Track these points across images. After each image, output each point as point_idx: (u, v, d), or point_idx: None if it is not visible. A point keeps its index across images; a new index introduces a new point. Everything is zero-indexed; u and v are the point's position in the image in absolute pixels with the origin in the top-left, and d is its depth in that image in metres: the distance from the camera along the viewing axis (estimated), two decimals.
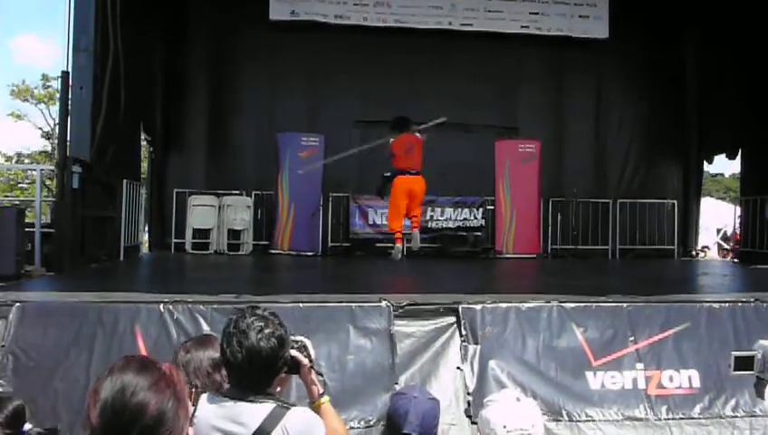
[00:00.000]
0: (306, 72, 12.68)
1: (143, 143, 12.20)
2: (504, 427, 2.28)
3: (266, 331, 2.21)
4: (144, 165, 13.52)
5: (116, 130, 8.97)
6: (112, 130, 8.77)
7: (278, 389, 2.25)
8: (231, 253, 11.80)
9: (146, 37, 10.80)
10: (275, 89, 12.61)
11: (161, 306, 4.24)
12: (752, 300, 5.07)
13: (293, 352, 2.33)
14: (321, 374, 2.42)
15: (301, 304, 4.37)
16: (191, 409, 1.48)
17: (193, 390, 2.22)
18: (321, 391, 2.43)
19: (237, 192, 12.28)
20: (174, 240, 11.99)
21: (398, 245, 9.01)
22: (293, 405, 2.25)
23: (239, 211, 12.12)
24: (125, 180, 9.61)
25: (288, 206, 11.93)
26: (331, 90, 12.64)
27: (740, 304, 5.00)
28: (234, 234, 12.10)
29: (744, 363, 2.30)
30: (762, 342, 2.37)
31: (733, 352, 2.34)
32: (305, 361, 2.36)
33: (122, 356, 1.80)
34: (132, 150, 10.80)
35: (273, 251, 11.84)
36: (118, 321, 4.19)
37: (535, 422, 2.27)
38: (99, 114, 8.38)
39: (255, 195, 12.30)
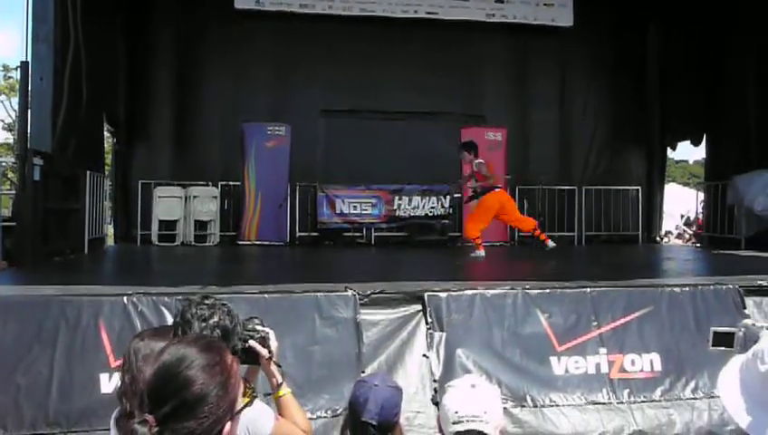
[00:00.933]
0: (272, 62, 12.60)
1: (106, 135, 12.02)
2: (456, 413, 2.29)
3: (211, 321, 2.19)
4: (109, 157, 13.32)
5: (78, 122, 8.82)
6: (74, 121, 8.63)
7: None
8: (198, 244, 11.69)
9: (108, 27, 10.62)
10: (241, 79, 12.50)
11: (125, 299, 4.19)
12: (711, 284, 5.17)
13: (252, 343, 2.32)
14: (279, 365, 2.40)
15: (266, 295, 4.36)
16: (238, 404, 1.48)
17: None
18: (280, 381, 2.42)
19: (203, 183, 12.15)
20: (140, 232, 11.84)
21: (481, 251, 9.16)
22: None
23: (205, 202, 12.00)
24: (88, 172, 9.46)
25: (255, 196, 11.85)
26: (297, 79, 12.57)
27: (700, 287, 5.10)
28: (200, 225, 11.98)
29: (723, 340, 2.35)
30: (746, 321, 2.42)
31: (712, 328, 2.38)
32: (264, 352, 2.34)
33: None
34: (96, 142, 10.64)
35: (240, 242, 11.77)
36: (81, 314, 4.14)
37: (489, 409, 2.27)
38: (60, 105, 8.24)
39: (222, 185, 12.19)
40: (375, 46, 12.47)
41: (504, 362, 4.44)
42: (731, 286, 5.05)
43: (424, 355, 4.30)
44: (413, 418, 3.91)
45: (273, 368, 2.39)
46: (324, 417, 3.92)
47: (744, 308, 4.95)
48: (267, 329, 2.41)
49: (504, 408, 4.21)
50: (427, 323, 4.41)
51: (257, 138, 11.92)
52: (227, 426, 1.41)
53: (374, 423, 2.38)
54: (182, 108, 12.55)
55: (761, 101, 10.51)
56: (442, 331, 4.39)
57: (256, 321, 2.43)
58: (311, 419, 3.89)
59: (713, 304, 4.96)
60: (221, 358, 1.46)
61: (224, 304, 2.30)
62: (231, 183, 12.17)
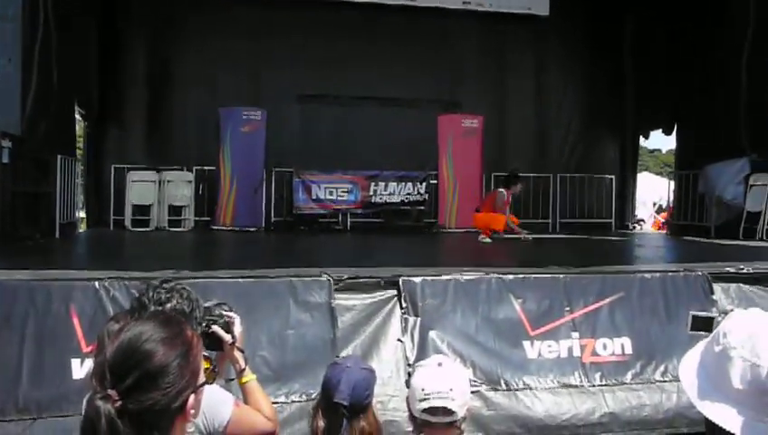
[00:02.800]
0: (248, 47, 12.45)
1: (78, 118, 11.83)
2: (423, 390, 2.32)
3: (168, 305, 2.18)
4: (81, 141, 13.12)
5: (49, 104, 8.67)
6: (45, 103, 8.48)
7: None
8: (172, 229, 11.59)
9: (81, 8, 10.41)
10: (217, 63, 12.34)
11: (97, 284, 4.14)
12: (681, 270, 5.25)
13: (215, 328, 2.30)
14: (242, 351, 2.39)
15: (240, 279, 4.34)
16: (201, 378, 1.49)
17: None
18: (243, 367, 2.40)
19: (178, 167, 12.04)
20: (113, 217, 11.72)
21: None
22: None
23: (180, 187, 11.89)
24: (60, 156, 9.32)
25: (230, 181, 11.79)
26: (274, 64, 12.45)
27: (670, 274, 5.17)
28: (174, 210, 11.88)
29: (702, 324, 2.39)
30: (728, 307, 2.46)
31: (691, 312, 2.41)
32: (227, 337, 2.32)
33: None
34: (67, 125, 10.47)
35: (215, 227, 11.71)
36: (51, 300, 4.07)
37: (455, 386, 2.31)
38: (29, 87, 8.08)
39: (196, 170, 12.09)
40: (352, 32, 12.40)
41: (477, 346, 4.47)
42: (700, 273, 5.13)
43: (398, 340, 4.31)
44: (387, 401, 3.93)
45: (237, 354, 2.37)
46: (299, 401, 3.93)
47: (713, 294, 5.04)
48: (233, 314, 2.39)
49: (478, 391, 4.28)
50: (401, 308, 4.42)
51: (233, 122, 11.85)
52: (191, 398, 1.42)
53: (345, 404, 2.39)
54: (156, 91, 12.39)
55: (730, 93, 10.63)
56: (417, 316, 4.40)
57: (225, 307, 2.41)
58: (285, 403, 3.91)
59: (682, 291, 5.03)
60: (180, 331, 1.47)
61: (184, 289, 2.28)
62: (206, 168, 12.08)
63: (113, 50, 12.01)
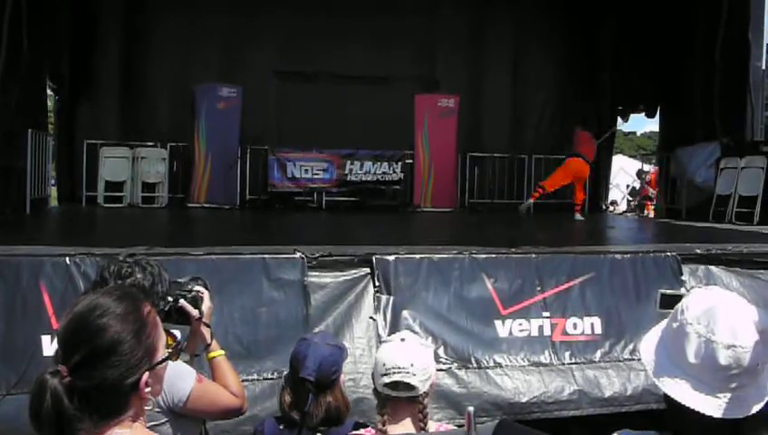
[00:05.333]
0: (224, 22, 12.28)
1: (50, 93, 11.63)
2: (385, 365, 2.35)
3: (128, 280, 2.17)
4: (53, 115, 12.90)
5: (18, 77, 8.50)
6: (14, 76, 8.31)
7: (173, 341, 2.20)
8: (145, 206, 11.49)
9: None
10: (192, 38, 12.15)
11: (68, 259, 4.10)
12: (651, 251, 5.33)
13: (183, 303, 2.30)
14: (209, 326, 2.38)
15: (213, 257, 4.32)
16: (159, 355, 1.45)
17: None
18: (209, 343, 2.39)
19: (152, 144, 11.91)
20: (85, 193, 11.58)
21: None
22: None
23: (154, 163, 11.78)
24: (30, 130, 9.15)
25: (205, 158, 11.68)
26: (250, 41, 12.28)
27: (640, 254, 5.24)
28: (148, 187, 11.77)
29: (671, 302, 2.44)
30: (695, 287, 2.51)
31: (660, 290, 2.46)
32: (194, 312, 2.32)
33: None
34: (38, 99, 10.28)
35: (189, 204, 11.61)
36: (20, 275, 4.03)
37: (416, 362, 2.33)
38: None
39: (171, 147, 11.96)
40: (330, 9, 12.26)
41: (449, 324, 4.51)
42: (669, 254, 5.21)
43: (371, 318, 4.34)
44: (359, 379, 3.96)
45: (204, 329, 2.37)
46: (270, 378, 3.94)
47: (681, 275, 5.12)
48: (202, 289, 2.39)
49: (450, 369, 4.33)
50: (374, 287, 4.44)
51: (208, 99, 11.72)
52: (144, 376, 1.39)
53: (311, 380, 2.40)
54: (130, 65, 12.17)
55: (707, 77, 10.74)
56: (390, 294, 4.43)
57: (200, 281, 2.41)
58: (256, 380, 3.93)
59: (652, 271, 5.11)
60: (135, 307, 1.43)
61: (148, 263, 2.26)
62: (180, 144, 11.95)
63: (86, 23, 11.76)
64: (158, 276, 2.26)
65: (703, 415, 1.37)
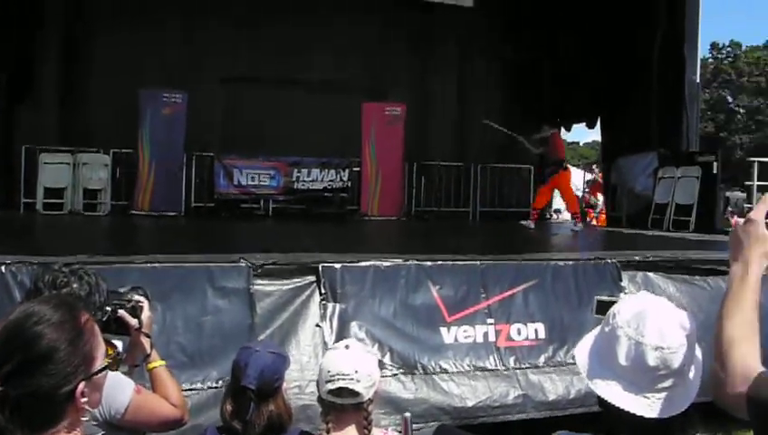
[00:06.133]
0: (170, 26, 12.12)
1: None
2: (329, 371, 2.37)
3: (64, 290, 2.13)
4: None
5: None
6: None
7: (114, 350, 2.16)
8: (87, 213, 11.22)
9: None
10: (137, 42, 11.92)
11: (3, 268, 3.98)
12: (592, 259, 5.46)
13: (121, 313, 2.25)
14: (149, 336, 2.34)
15: (157, 265, 4.26)
16: (96, 365, 1.41)
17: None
18: (148, 353, 2.35)
19: (94, 150, 11.65)
20: (23, 199, 11.25)
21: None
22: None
23: (96, 170, 11.52)
24: None
25: (149, 165, 11.49)
26: (197, 46, 12.16)
27: (581, 262, 5.37)
28: (90, 193, 11.50)
29: (605, 308, 2.51)
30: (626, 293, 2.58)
31: (596, 297, 2.53)
32: (133, 322, 2.27)
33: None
34: None
35: (133, 212, 11.39)
36: None
37: (360, 368, 2.36)
38: None
39: (114, 153, 11.72)
40: (278, 15, 12.24)
41: (395, 331, 4.54)
42: (609, 261, 5.36)
43: (317, 325, 4.33)
44: (305, 386, 3.94)
45: (144, 339, 2.33)
46: (215, 387, 3.89)
47: (621, 281, 5.27)
48: (141, 299, 2.34)
49: (396, 375, 4.35)
50: (321, 294, 4.44)
51: (153, 104, 11.55)
52: (81, 385, 1.36)
53: (252, 388, 2.38)
54: (71, 69, 11.90)
55: (645, 90, 11.08)
56: (336, 302, 4.43)
57: (140, 291, 2.37)
58: (201, 389, 3.88)
59: (592, 278, 5.24)
60: (72, 315, 1.41)
61: (85, 273, 2.22)
62: (124, 150, 11.71)
63: (26, 25, 11.44)
64: (95, 286, 2.21)
65: (633, 415, 1.43)
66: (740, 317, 1.39)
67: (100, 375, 1.43)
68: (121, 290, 2.37)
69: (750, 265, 1.44)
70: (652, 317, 1.47)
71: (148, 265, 4.25)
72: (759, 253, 1.44)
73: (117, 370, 2.02)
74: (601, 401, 1.50)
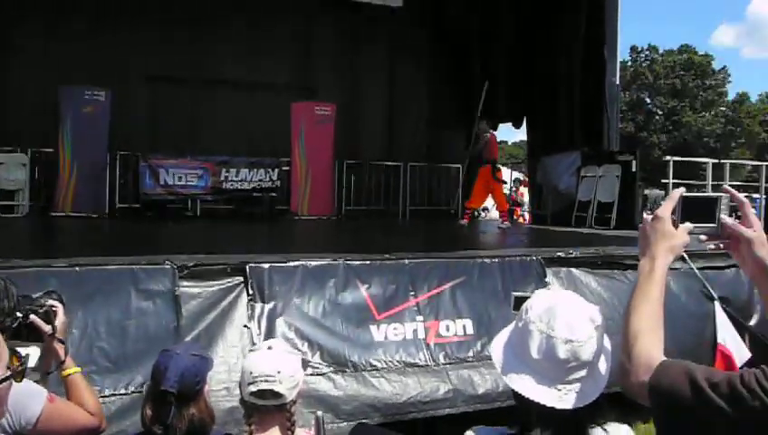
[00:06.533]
0: (93, 22, 11.76)
1: None
2: (251, 373, 2.36)
3: None
4: None
5: None
6: None
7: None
8: (4, 215, 10.78)
9: None
10: (58, 37, 11.55)
11: None
12: (518, 255, 5.59)
13: (33, 318, 2.17)
14: (63, 342, 2.27)
15: (77, 268, 4.13)
16: None
17: None
18: (62, 359, 2.28)
19: (11, 149, 11.20)
20: None
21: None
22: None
23: (13, 170, 11.11)
24: None
25: (70, 164, 11.14)
26: (121, 42, 11.83)
27: (507, 259, 5.49)
28: (7, 194, 11.07)
29: (522, 303, 2.59)
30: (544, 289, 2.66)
31: (513, 293, 2.59)
32: (47, 328, 2.19)
33: None
34: None
35: (53, 213, 11.01)
36: None
37: (282, 369, 2.35)
38: None
39: (32, 152, 11.31)
40: (205, 12, 12.06)
41: (325, 330, 4.54)
42: (534, 258, 5.50)
43: (245, 326, 4.29)
44: (233, 388, 3.88)
45: (58, 345, 2.25)
46: (139, 392, 3.80)
47: (545, 277, 5.41)
48: (55, 303, 2.27)
49: (326, 373, 4.35)
50: (248, 295, 4.40)
51: (74, 103, 11.20)
52: None
53: (173, 392, 2.35)
54: None
55: (568, 91, 11.42)
56: (264, 302, 4.40)
57: (54, 295, 2.30)
58: (125, 394, 3.79)
59: (518, 274, 5.36)
60: None
61: (1, 278, 2.15)
62: (43, 150, 11.31)
63: None
64: (3, 291, 2.13)
65: (545, 406, 1.48)
66: (646, 310, 1.46)
67: (1, 386, 1.37)
68: (35, 295, 2.29)
69: (656, 260, 1.50)
70: (562, 311, 1.52)
71: (69, 268, 4.13)
72: (665, 248, 1.51)
73: (21, 381, 1.95)
74: (516, 395, 1.55)
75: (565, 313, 1.52)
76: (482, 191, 10.96)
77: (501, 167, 11.73)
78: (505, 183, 12.33)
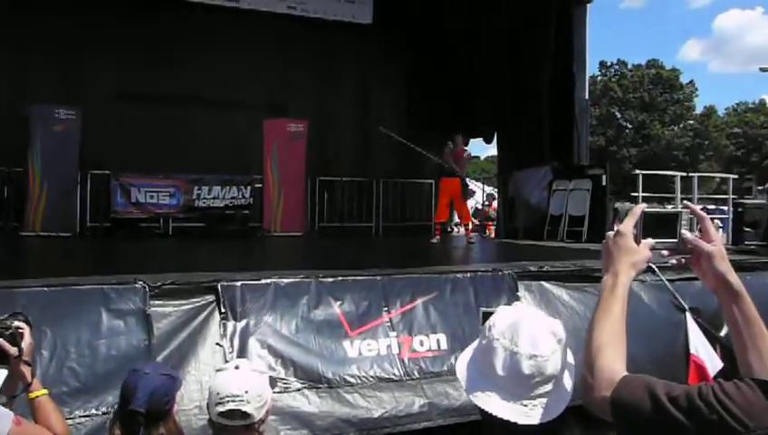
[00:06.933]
0: (62, 40, 11.68)
1: None
2: (218, 394, 2.35)
3: None
4: None
5: None
6: None
7: None
8: None
9: None
10: (26, 55, 11.45)
11: None
12: (490, 270, 5.64)
13: None
14: (30, 365, 2.25)
15: (47, 288, 4.09)
16: None
17: None
18: (29, 382, 2.26)
19: None
20: None
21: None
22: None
23: None
24: None
25: (40, 183, 11.01)
26: (92, 60, 11.78)
27: (480, 273, 5.54)
28: None
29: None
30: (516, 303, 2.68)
31: (482, 309, 2.62)
32: (12, 350, 2.16)
33: None
34: None
35: (23, 233, 10.86)
36: None
37: (250, 389, 2.34)
38: None
39: (1, 171, 11.15)
40: (176, 31, 12.05)
41: (298, 347, 4.53)
42: (506, 272, 5.55)
43: (217, 344, 4.27)
44: (206, 406, 3.88)
45: (24, 368, 2.23)
46: (110, 413, 3.77)
47: (517, 291, 5.46)
48: (22, 325, 2.25)
49: (300, 390, 4.34)
50: (221, 313, 4.39)
51: (44, 121, 11.10)
52: None
53: (142, 411, 2.34)
54: None
55: (537, 107, 11.57)
56: (236, 320, 4.38)
57: (21, 317, 2.27)
58: (95, 415, 3.75)
59: (490, 288, 5.41)
60: None
61: None
62: (12, 169, 11.16)
63: None
64: None
65: (509, 422, 1.49)
66: (608, 325, 1.48)
67: None
68: (0, 317, 2.26)
69: (619, 276, 1.52)
70: (525, 327, 1.54)
71: (38, 288, 4.08)
72: (627, 264, 1.53)
73: None
74: (482, 411, 1.56)
75: (528, 328, 1.54)
76: (444, 207, 10.96)
77: (471, 182, 11.80)
78: (474, 193, 12.31)
